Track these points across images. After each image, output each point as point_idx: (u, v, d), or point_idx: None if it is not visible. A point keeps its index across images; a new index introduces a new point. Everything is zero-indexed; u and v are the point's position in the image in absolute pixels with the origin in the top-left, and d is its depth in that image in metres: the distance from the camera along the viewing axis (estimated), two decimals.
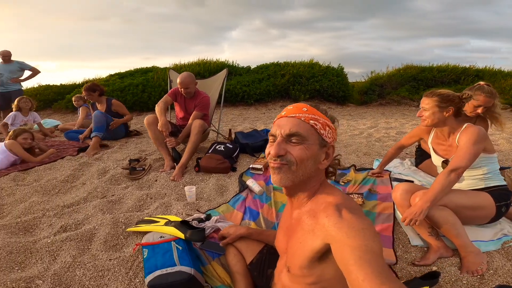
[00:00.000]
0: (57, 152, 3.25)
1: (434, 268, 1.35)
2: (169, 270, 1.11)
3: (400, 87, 8.45)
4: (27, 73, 5.09)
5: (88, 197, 2.13)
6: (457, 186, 1.65)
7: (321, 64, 8.53)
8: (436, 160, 1.78)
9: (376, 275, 0.63)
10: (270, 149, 0.84)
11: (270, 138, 0.87)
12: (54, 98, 7.86)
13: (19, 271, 1.33)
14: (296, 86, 7.64)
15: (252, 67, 8.80)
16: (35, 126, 4.42)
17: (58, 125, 5.30)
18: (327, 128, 0.84)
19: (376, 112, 7.06)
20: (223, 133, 3.81)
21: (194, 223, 1.56)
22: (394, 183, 2.33)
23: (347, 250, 0.67)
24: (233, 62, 8.80)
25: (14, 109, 4.26)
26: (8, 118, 4.16)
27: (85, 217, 1.82)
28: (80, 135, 3.89)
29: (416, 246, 1.54)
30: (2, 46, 5.37)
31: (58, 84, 8.69)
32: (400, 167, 2.69)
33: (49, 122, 5.44)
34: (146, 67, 8.77)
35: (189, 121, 2.85)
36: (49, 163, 2.89)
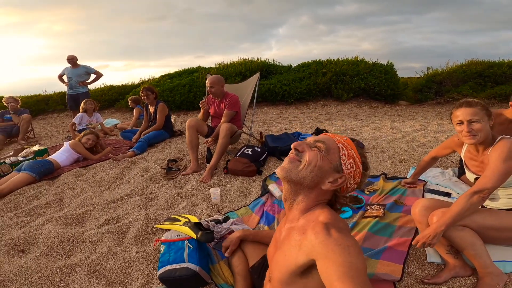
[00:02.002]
0: (113, 150, 3.72)
1: None
2: (178, 266, 1.27)
3: (463, 84, 7.61)
4: (92, 76, 5.74)
5: (131, 193, 2.43)
6: (492, 204, 1.53)
7: (367, 60, 8.11)
8: (470, 176, 1.64)
9: None
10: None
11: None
12: (117, 97, 8.82)
13: (66, 258, 1.61)
14: (339, 84, 7.40)
15: (299, 63, 8.73)
16: (98, 126, 5.09)
17: (117, 124, 6.00)
18: (351, 159, 0.89)
19: (430, 112, 6.46)
20: (256, 135, 3.93)
21: (211, 224, 1.71)
22: (428, 195, 2.19)
23: (332, 266, 0.72)
24: (273, 60, 8.89)
25: (80, 111, 4.95)
26: (76, 119, 4.87)
27: (125, 212, 2.09)
28: (133, 138, 4.34)
29: (433, 263, 1.47)
30: (74, 49, 6.19)
31: (120, 84, 9.73)
32: (440, 177, 2.47)
33: (109, 121, 6.18)
34: (192, 68, 9.28)
35: (221, 121, 3.02)
36: (105, 161, 3.33)
